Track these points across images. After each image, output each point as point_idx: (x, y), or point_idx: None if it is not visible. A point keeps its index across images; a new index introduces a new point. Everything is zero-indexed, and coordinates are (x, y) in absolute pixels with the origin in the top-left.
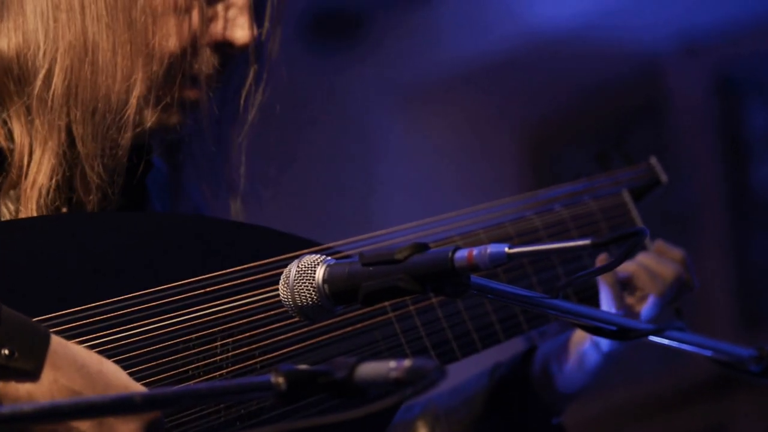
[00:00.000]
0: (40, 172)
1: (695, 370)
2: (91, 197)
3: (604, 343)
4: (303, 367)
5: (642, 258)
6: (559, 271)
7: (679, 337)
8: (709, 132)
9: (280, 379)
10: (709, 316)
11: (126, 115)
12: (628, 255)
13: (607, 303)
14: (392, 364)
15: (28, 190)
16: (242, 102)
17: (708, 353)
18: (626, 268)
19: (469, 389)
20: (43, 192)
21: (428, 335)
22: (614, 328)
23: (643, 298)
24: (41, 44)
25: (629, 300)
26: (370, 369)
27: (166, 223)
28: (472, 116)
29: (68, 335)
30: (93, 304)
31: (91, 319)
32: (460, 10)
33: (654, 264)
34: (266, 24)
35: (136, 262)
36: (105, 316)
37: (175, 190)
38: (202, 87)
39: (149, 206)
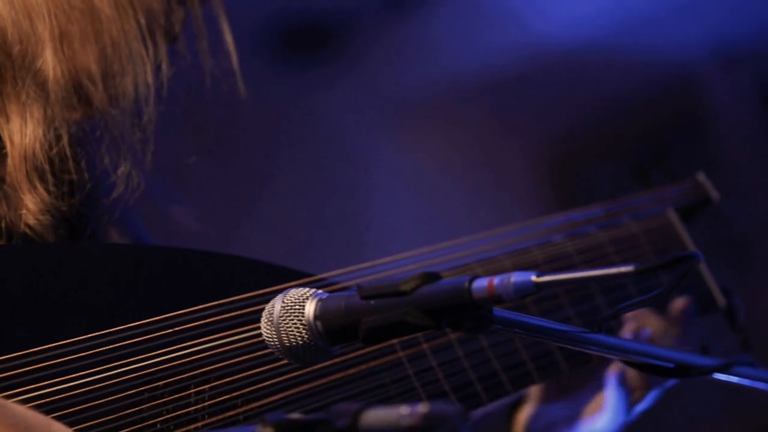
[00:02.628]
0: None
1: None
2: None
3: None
4: (296, 415)
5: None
6: (599, 302)
7: (750, 374)
8: (757, 145)
9: (269, 430)
10: None
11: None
12: (681, 282)
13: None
14: (404, 409)
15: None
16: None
17: None
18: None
19: None
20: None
21: (447, 377)
22: (671, 365)
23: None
24: None
25: None
26: (377, 416)
27: (128, 254)
28: (482, 134)
29: (8, 385)
30: (40, 348)
31: (37, 365)
32: (460, 14)
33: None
34: None
35: (93, 298)
36: (55, 362)
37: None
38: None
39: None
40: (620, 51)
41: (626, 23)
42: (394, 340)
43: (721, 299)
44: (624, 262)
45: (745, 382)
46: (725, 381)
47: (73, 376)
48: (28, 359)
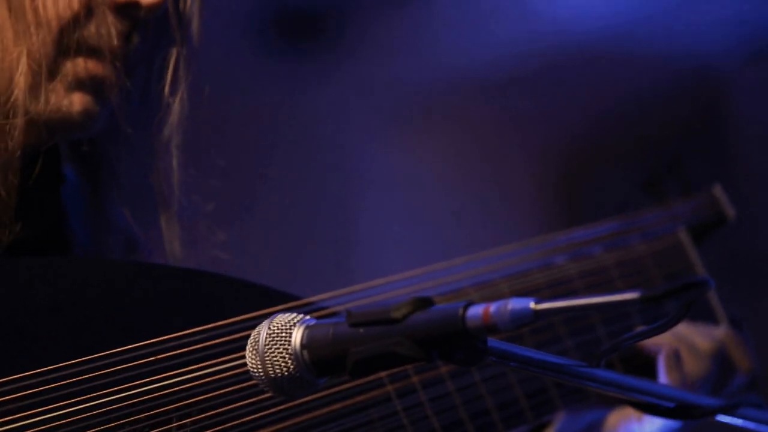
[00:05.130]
0: None
1: None
2: None
3: None
4: None
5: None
6: (600, 333)
7: (757, 417)
8: None
9: None
10: None
11: (13, 98)
12: (688, 312)
13: (664, 378)
14: None
15: None
16: (167, 87)
17: None
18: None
19: None
20: None
21: (437, 414)
22: (672, 404)
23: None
24: None
25: None
26: None
27: (102, 272)
28: (481, 138)
29: None
30: (8, 378)
31: (5, 398)
32: (464, 6)
33: (690, 333)
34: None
35: (65, 323)
36: (25, 393)
37: (96, 211)
38: (107, 60)
39: (67, 230)
40: (634, 45)
41: (641, 13)
42: (383, 373)
43: None
44: (629, 288)
45: (752, 426)
46: (731, 424)
47: (47, 408)
48: (1, 390)
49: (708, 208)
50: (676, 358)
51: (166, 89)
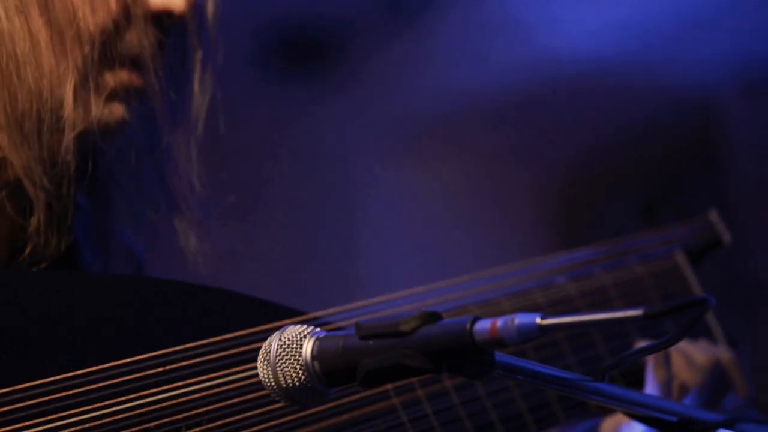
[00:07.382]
0: None
1: None
2: (33, 218)
3: None
4: None
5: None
6: (600, 349)
7: (756, 431)
8: None
9: None
10: None
11: (65, 114)
12: (690, 329)
13: (653, 391)
14: None
15: None
16: (195, 87)
17: None
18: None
19: None
20: None
21: (442, 425)
22: (674, 418)
23: (681, 389)
24: None
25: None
26: None
27: (115, 286)
28: (481, 161)
29: None
30: (19, 386)
31: (15, 405)
32: (466, 33)
33: (688, 346)
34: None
35: (77, 334)
36: (35, 401)
37: (102, 230)
38: (149, 70)
39: (78, 256)
40: (632, 75)
41: (639, 45)
42: (389, 386)
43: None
44: (630, 307)
45: None
46: None
47: (57, 416)
48: (11, 398)
49: (704, 232)
50: (664, 359)
51: (196, 89)
